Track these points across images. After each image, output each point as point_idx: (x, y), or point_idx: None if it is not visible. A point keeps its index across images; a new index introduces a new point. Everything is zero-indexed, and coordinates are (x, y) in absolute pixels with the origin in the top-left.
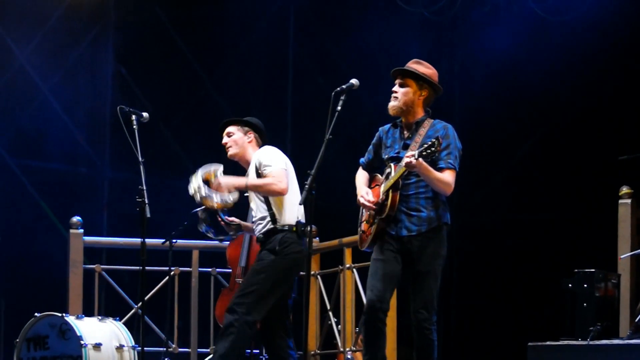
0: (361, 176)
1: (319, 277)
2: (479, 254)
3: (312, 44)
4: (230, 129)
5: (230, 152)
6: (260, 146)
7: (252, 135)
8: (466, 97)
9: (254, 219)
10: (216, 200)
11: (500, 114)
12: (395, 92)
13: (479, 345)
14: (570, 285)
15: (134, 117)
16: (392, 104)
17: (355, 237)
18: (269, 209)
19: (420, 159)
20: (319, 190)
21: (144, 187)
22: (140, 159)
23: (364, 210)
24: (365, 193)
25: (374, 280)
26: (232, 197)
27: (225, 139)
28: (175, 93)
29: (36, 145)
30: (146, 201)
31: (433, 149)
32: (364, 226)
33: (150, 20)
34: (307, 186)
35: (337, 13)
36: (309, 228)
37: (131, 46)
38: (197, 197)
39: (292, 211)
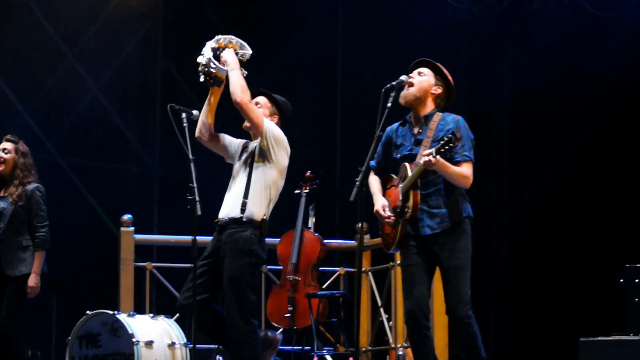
0: (375, 181)
1: (370, 273)
2: (529, 249)
3: (361, 40)
4: (260, 99)
5: (246, 123)
6: None
7: (275, 119)
8: (516, 94)
9: (227, 192)
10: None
11: (551, 109)
12: (412, 77)
13: (530, 340)
14: (621, 280)
15: (184, 115)
16: (405, 91)
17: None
18: (245, 196)
19: (438, 157)
20: (369, 187)
21: (195, 185)
22: (190, 156)
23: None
24: (381, 207)
25: (408, 288)
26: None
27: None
28: (225, 91)
29: (86, 144)
30: (197, 199)
31: (451, 144)
32: (386, 229)
33: (199, 17)
34: (357, 183)
35: (386, 9)
36: (360, 225)
37: (180, 44)
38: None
39: (263, 207)
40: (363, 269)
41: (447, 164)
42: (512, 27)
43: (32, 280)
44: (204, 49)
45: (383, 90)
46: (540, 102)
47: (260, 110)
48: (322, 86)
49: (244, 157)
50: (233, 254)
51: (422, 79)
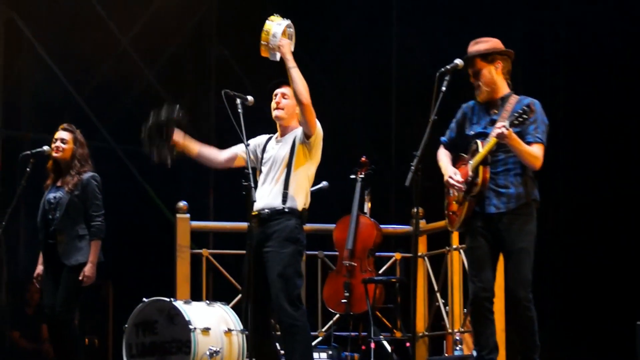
0: (444, 155)
1: (426, 258)
2: (586, 232)
3: (415, 23)
4: (286, 90)
5: (279, 113)
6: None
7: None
8: (572, 74)
9: (261, 184)
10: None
11: (608, 89)
12: (473, 81)
13: (587, 324)
14: None
15: (238, 100)
16: (478, 93)
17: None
18: (285, 187)
19: (511, 129)
20: (424, 172)
21: (250, 171)
22: (245, 142)
23: (450, 190)
24: (453, 173)
25: (473, 270)
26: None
27: (279, 99)
28: (279, 76)
29: (141, 131)
30: (252, 185)
31: (525, 116)
32: (453, 206)
33: (253, 1)
34: (412, 167)
35: None
36: (416, 209)
37: (235, 29)
38: (272, 41)
39: (303, 197)
40: (419, 253)
41: (519, 139)
42: (565, 8)
43: (89, 270)
44: (275, 25)
45: (438, 73)
46: (597, 82)
47: (289, 101)
48: (376, 70)
49: (276, 150)
50: (280, 242)
51: (482, 74)
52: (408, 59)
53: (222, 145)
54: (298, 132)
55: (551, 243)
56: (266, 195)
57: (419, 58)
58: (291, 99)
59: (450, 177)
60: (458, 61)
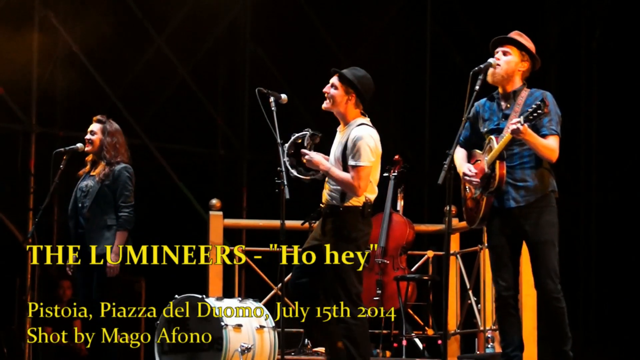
0: (460, 153)
1: (458, 256)
2: (618, 233)
3: (449, 23)
4: (334, 80)
5: (326, 105)
6: (358, 107)
7: (352, 97)
8: (606, 75)
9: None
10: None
11: None
12: (498, 59)
13: (619, 324)
14: None
15: (272, 98)
16: (491, 71)
17: None
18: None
19: (526, 125)
20: (457, 170)
21: (283, 169)
22: (278, 140)
23: (467, 187)
24: (467, 169)
25: (496, 270)
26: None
27: (327, 88)
28: (312, 74)
29: (175, 128)
30: (285, 183)
31: (540, 111)
32: (469, 203)
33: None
34: (445, 166)
35: None
36: (448, 207)
37: (268, 27)
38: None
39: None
40: (451, 251)
41: (534, 134)
42: (601, 6)
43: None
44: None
45: (471, 73)
46: (630, 83)
47: (337, 92)
48: (410, 69)
49: (335, 146)
50: (332, 237)
51: (508, 59)
52: (442, 58)
53: (255, 142)
54: (354, 134)
55: (585, 244)
56: (331, 193)
57: (452, 57)
58: (338, 90)
59: (466, 173)
60: (492, 60)
